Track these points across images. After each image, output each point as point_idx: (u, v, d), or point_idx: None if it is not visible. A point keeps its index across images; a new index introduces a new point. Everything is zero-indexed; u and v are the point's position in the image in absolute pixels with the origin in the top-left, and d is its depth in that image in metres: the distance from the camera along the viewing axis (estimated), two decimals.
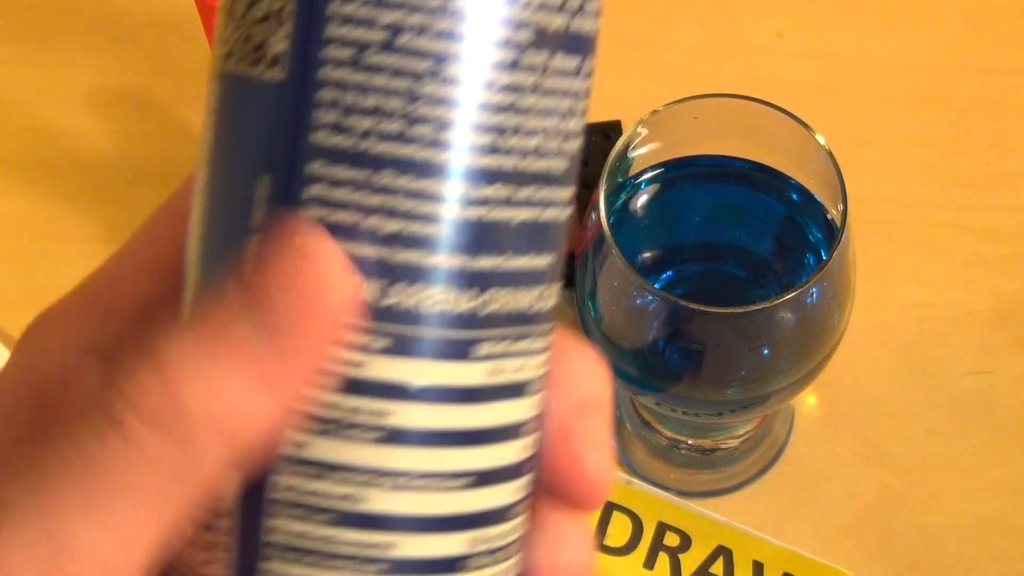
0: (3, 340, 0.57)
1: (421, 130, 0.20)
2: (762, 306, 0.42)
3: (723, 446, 0.55)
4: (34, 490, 0.20)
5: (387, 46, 0.20)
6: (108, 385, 0.20)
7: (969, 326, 0.57)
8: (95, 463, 0.20)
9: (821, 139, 0.45)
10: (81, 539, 0.19)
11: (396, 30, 0.20)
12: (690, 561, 0.51)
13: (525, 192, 0.21)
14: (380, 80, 0.20)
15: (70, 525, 0.19)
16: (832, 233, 0.46)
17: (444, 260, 0.21)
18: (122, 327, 0.25)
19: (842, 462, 0.54)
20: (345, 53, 0.20)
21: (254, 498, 0.21)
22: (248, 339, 0.20)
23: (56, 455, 0.20)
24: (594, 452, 0.25)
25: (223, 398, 0.20)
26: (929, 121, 0.64)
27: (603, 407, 0.25)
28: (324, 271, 0.20)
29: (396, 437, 0.21)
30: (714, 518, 0.51)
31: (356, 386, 0.21)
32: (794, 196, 0.48)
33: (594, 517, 0.51)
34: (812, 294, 0.43)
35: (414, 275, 0.20)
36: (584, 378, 0.25)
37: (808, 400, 0.56)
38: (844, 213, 0.44)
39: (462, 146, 0.20)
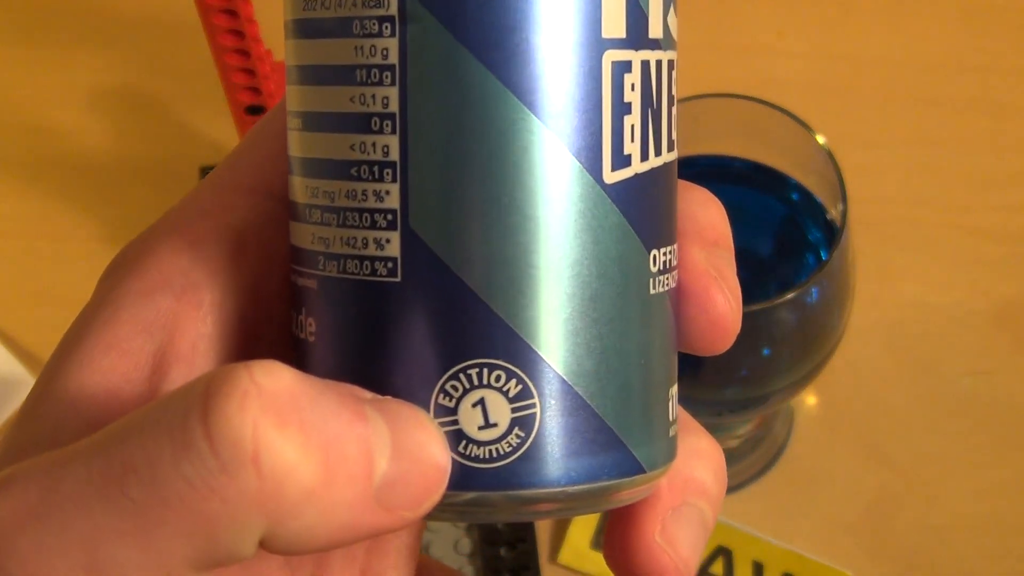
0: (3, 340, 0.57)
1: None
2: (762, 306, 0.42)
3: (723, 446, 0.55)
4: (82, 502, 0.19)
5: None
6: (196, 398, 0.18)
7: (969, 326, 0.57)
8: (159, 485, 0.18)
9: (821, 139, 0.45)
10: (119, 565, 0.18)
11: None
12: None
13: None
14: None
15: (112, 549, 0.18)
16: (832, 233, 0.46)
17: None
18: (218, 252, 0.22)
19: (842, 462, 0.54)
20: None
21: None
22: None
23: (123, 456, 0.18)
24: (721, 288, 0.23)
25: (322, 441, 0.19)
26: (929, 121, 0.64)
27: (725, 240, 0.24)
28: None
29: None
30: None
31: None
32: (794, 196, 0.48)
33: (594, 516, 0.51)
34: (812, 294, 0.43)
35: None
36: (697, 207, 0.23)
37: (808, 400, 0.56)
38: (844, 213, 0.44)
39: None
